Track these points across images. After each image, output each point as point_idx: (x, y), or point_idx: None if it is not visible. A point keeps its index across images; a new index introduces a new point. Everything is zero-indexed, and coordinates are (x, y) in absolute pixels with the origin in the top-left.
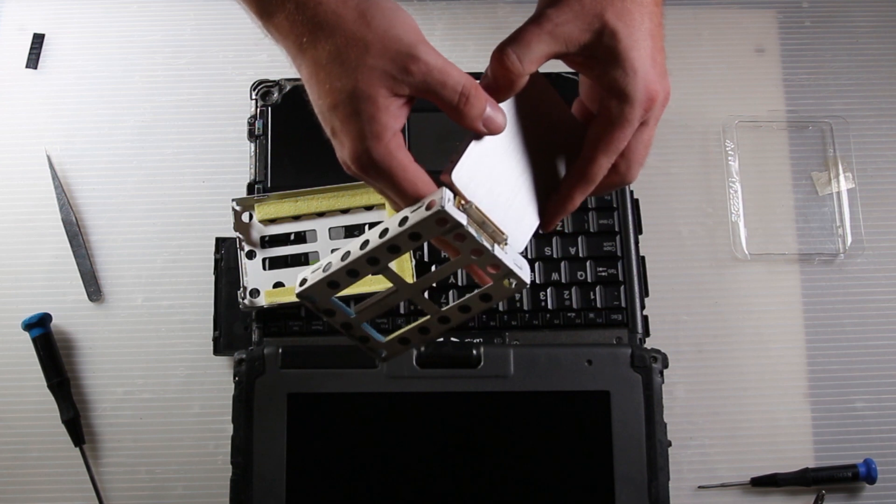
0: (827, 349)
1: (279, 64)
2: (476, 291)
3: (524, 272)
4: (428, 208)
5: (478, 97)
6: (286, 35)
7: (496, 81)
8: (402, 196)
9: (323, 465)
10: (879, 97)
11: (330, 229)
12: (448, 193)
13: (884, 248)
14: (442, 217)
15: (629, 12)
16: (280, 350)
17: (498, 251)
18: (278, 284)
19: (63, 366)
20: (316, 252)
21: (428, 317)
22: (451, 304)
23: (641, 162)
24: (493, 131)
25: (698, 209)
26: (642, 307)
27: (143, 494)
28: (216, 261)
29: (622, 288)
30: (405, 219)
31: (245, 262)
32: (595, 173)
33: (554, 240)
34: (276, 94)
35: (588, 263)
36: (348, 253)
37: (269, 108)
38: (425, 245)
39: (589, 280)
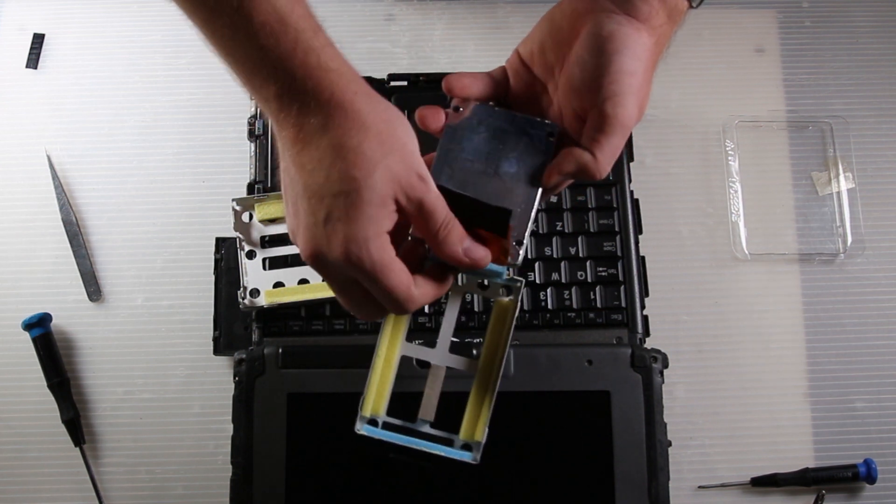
0: (827, 349)
1: None
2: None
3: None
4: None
5: (457, 230)
6: (297, 115)
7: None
8: (383, 292)
9: (323, 464)
10: (879, 97)
11: None
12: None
13: (884, 248)
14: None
15: (650, 92)
16: (280, 350)
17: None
18: (278, 284)
19: (63, 366)
20: None
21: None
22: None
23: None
24: (475, 264)
25: (698, 209)
26: (642, 307)
27: (143, 494)
28: (216, 261)
29: (622, 288)
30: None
31: (245, 262)
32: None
33: (554, 240)
34: None
35: (588, 263)
36: None
37: None
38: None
39: (589, 280)
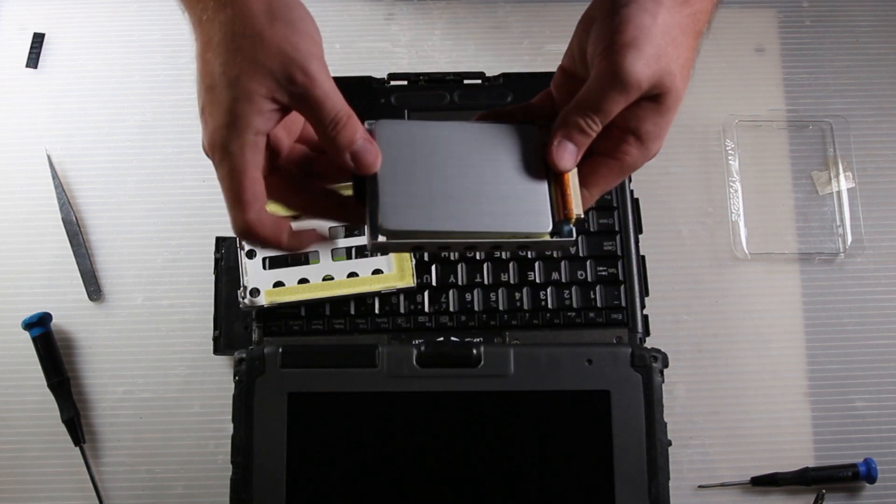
0: (827, 349)
1: None
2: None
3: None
4: (556, 236)
5: (350, 128)
6: (191, 5)
7: (575, 143)
8: (228, 196)
9: (323, 464)
10: (880, 96)
11: (330, 228)
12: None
13: (884, 248)
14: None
15: (688, 71)
16: (280, 349)
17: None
18: (278, 284)
19: (63, 365)
20: (316, 251)
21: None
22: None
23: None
24: (361, 167)
25: (698, 209)
26: (642, 307)
27: (143, 494)
28: (216, 260)
29: (622, 287)
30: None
31: (245, 262)
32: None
33: None
34: None
35: (588, 263)
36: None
37: None
38: None
39: (589, 279)
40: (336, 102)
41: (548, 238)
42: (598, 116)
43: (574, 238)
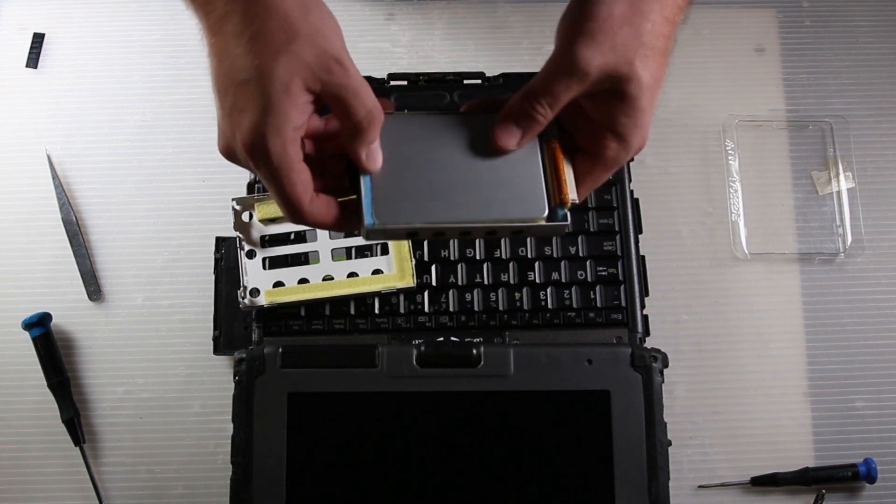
0: (827, 349)
1: None
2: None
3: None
4: (551, 220)
5: (377, 126)
6: (207, 6)
7: (519, 125)
8: (280, 194)
9: (323, 464)
10: (879, 97)
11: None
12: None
13: (884, 248)
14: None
15: (654, 60)
16: (280, 349)
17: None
18: (278, 284)
19: (63, 365)
20: (316, 251)
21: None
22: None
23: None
24: (368, 166)
25: (698, 209)
26: (642, 307)
27: (143, 494)
28: (216, 260)
29: (622, 287)
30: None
31: (245, 262)
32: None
33: (554, 239)
34: None
35: (588, 263)
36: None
37: None
38: (425, 244)
39: (589, 279)
40: (370, 96)
41: (543, 223)
42: (545, 99)
43: (568, 222)
